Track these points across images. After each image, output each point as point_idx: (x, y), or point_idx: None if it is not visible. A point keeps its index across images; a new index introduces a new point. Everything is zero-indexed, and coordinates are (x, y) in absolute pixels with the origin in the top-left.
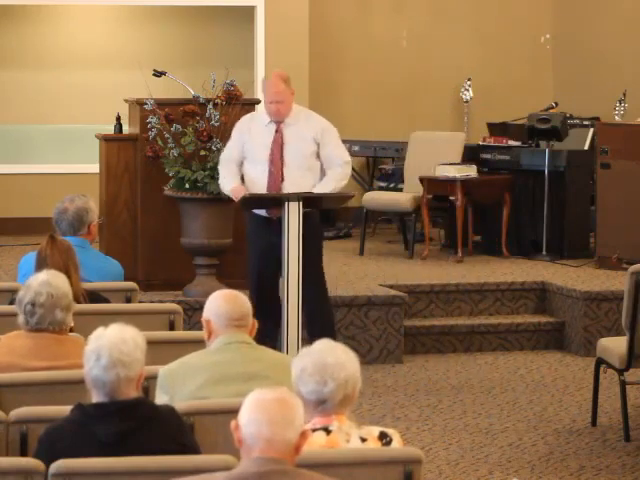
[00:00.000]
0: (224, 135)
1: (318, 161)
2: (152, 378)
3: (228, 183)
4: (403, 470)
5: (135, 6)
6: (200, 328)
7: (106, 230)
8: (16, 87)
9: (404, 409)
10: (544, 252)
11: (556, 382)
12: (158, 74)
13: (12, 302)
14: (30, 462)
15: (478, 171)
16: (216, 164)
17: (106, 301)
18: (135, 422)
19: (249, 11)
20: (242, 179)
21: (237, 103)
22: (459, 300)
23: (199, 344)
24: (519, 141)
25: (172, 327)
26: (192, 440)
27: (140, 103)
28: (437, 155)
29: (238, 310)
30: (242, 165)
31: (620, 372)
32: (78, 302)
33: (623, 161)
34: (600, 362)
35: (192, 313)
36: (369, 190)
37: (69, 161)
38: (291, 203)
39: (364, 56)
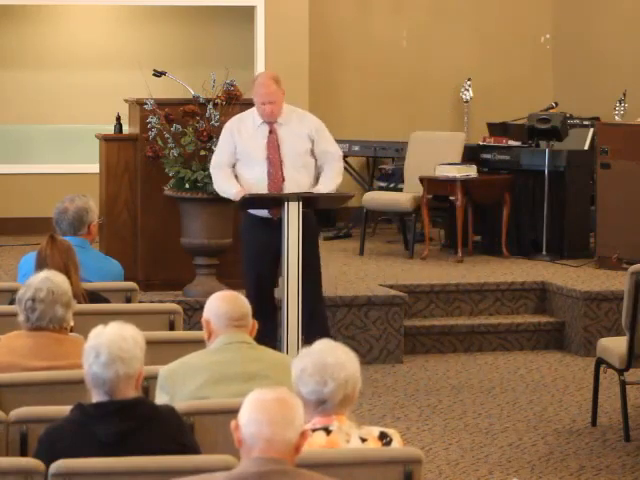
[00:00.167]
0: None
1: (312, 158)
2: (152, 378)
3: (230, 187)
4: (403, 470)
5: (135, 6)
6: (200, 328)
7: (106, 230)
8: (16, 87)
9: (404, 409)
10: (544, 252)
11: (556, 382)
12: (158, 74)
13: (12, 302)
14: (30, 462)
15: (478, 171)
16: None
17: (106, 301)
18: (135, 422)
19: (249, 11)
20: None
21: (237, 103)
22: (459, 300)
23: (199, 344)
24: (519, 141)
25: (172, 327)
26: (192, 440)
27: (140, 103)
28: (437, 155)
29: (238, 310)
30: (233, 167)
31: (620, 372)
32: (78, 302)
33: (623, 161)
34: (600, 362)
35: (192, 313)
36: (369, 190)
37: (69, 161)
38: (291, 203)
39: (364, 56)
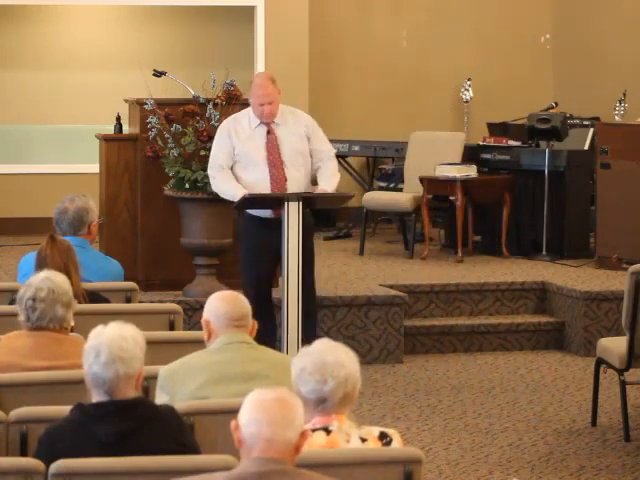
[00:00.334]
0: None
1: (309, 157)
2: (152, 378)
3: (232, 188)
4: (403, 470)
5: (135, 6)
6: (200, 328)
7: (106, 230)
8: (16, 87)
9: (404, 409)
10: (544, 252)
11: (556, 382)
12: (158, 74)
13: (12, 302)
14: (30, 462)
15: (478, 171)
16: None
17: (106, 301)
18: (135, 422)
19: (249, 11)
20: None
21: (237, 103)
22: (459, 300)
23: (199, 344)
24: (519, 141)
25: (172, 327)
26: (192, 440)
27: (140, 103)
28: (437, 155)
29: (238, 310)
30: (231, 169)
31: (620, 372)
32: (78, 302)
33: (623, 161)
34: (600, 362)
35: (192, 313)
36: (369, 190)
37: (69, 161)
38: (291, 203)
39: (364, 56)
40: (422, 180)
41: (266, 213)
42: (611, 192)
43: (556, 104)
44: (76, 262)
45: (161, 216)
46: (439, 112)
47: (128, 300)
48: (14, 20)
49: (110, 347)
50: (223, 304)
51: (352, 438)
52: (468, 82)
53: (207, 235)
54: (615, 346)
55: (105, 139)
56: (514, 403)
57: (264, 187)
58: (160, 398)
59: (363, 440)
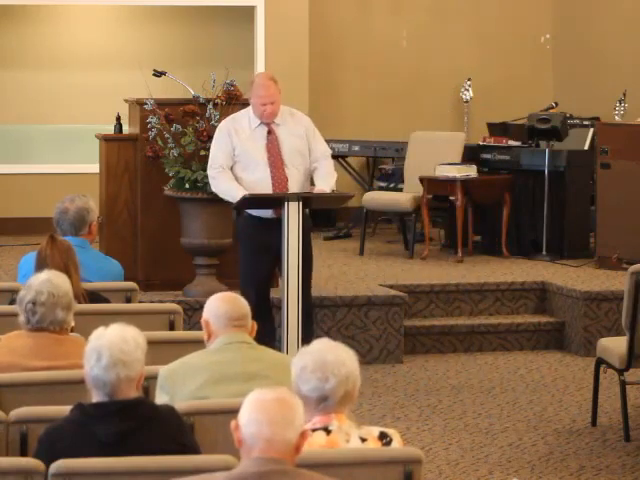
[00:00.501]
0: None
1: (308, 157)
2: (152, 378)
3: (232, 189)
4: (403, 470)
5: (135, 6)
6: (200, 328)
7: (106, 230)
8: (16, 87)
9: (404, 409)
10: (544, 252)
11: (556, 382)
12: (158, 74)
13: (12, 302)
14: (30, 462)
15: (478, 171)
16: None
17: (106, 301)
18: (135, 422)
19: (249, 11)
20: None
21: (237, 103)
22: (459, 300)
23: (199, 344)
24: (519, 141)
25: (172, 327)
26: (192, 440)
27: (140, 103)
28: (437, 155)
29: (237, 310)
30: (231, 169)
31: (620, 372)
32: (78, 302)
33: (623, 161)
34: (600, 362)
35: (192, 313)
36: (369, 190)
37: (69, 161)
38: (291, 203)
39: (364, 56)
40: (422, 180)
41: (266, 213)
42: (611, 192)
43: (556, 104)
44: (76, 262)
45: (161, 216)
46: (439, 112)
47: (128, 300)
48: (14, 20)
49: (111, 350)
50: (223, 304)
51: (352, 438)
52: (468, 82)
53: (207, 235)
54: (615, 346)
55: (105, 139)
56: (514, 403)
57: (265, 187)
58: (160, 398)
59: (363, 440)
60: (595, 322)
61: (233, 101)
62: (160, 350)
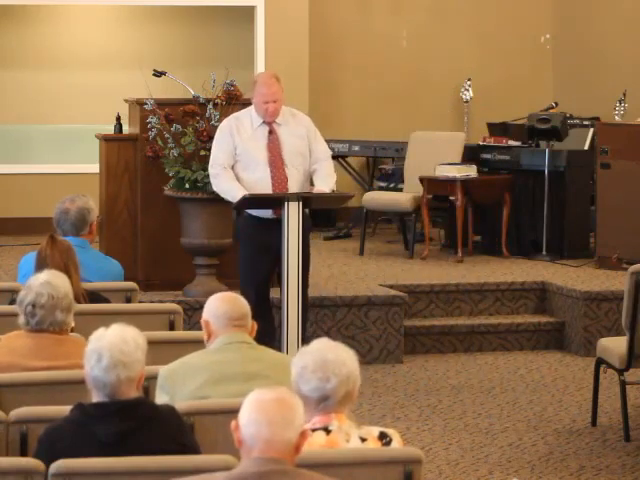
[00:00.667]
0: None
1: (308, 157)
2: (152, 378)
3: (234, 189)
4: (403, 470)
5: (135, 6)
6: (200, 328)
7: (106, 230)
8: (16, 87)
9: (404, 409)
10: (544, 252)
11: (556, 382)
12: (158, 74)
13: (12, 302)
14: (30, 462)
15: (478, 171)
16: None
17: (106, 301)
18: (135, 422)
19: (249, 11)
20: None
21: (237, 103)
22: (459, 300)
23: (199, 344)
24: (519, 141)
25: (172, 327)
26: (192, 440)
27: (140, 103)
28: (437, 155)
29: (237, 310)
30: (232, 168)
31: (620, 372)
32: (78, 302)
33: (623, 161)
34: (600, 362)
35: (192, 313)
36: (369, 190)
37: (69, 161)
38: (291, 203)
39: (364, 56)
40: (422, 180)
41: (266, 213)
42: (611, 192)
43: (556, 104)
44: (76, 262)
45: (161, 216)
46: (439, 112)
47: (128, 300)
48: (14, 20)
49: (111, 351)
50: (223, 304)
51: (352, 438)
52: (468, 82)
53: (207, 235)
54: (615, 346)
55: (105, 139)
56: (514, 403)
57: (265, 187)
58: (160, 398)
59: (363, 440)
60: (595, 322)
61: (233, 101)
62: (160, 350)
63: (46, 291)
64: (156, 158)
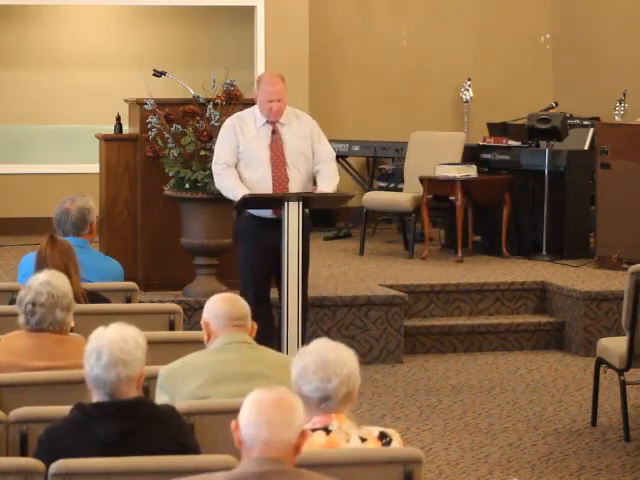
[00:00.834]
0: None
1: (311, 158)
2: (152, 378)
3: (238, 189)
4: (403, 470)
5: (135, 6)
6: (200, 328)
7: (106, 230)
8: (16, 87)
9: (404, 409)
10: (544, 252)
11: (556, 382)
12: (158, 74)
13: (12, 302)
14: (30, 462)
15: (478, 171)
16: None
17: (106, 301)
18: (135, 422)
19: (249, 11)
20: None
21: (237, 103)
22: (459, 300)
23: (199, 344)
24: (519, 141)
25: (172, 327)
26: (192, 440)
27: (140, 103)
28: (437, 155)
29: (237, 310)
30: (235, 167)
31: (620, 372)
32: (78, 302)
33: (623, 161)
34: (600, 362)
35: (192, 313)
36: (369, 190)
37: (69, 161)
38: (291, 203)
39: (364, 56)
40: (422, 180)
41: (267, 213)
42: (611, 192)
43: (556, 104)
44: (76, 262)
45: (161, 216)
46: (439, 112)
47: (128, 300)
48: (14, 20)
49: (111, 349)
50: (223, 304)
51: (352, 438)
52: (468, 82)
53: (207, 235)
54: (615, 346)
55: (105, 139)
56: (514, 403)
57: (266, 187)
58: (160, 398)
59: (363, 440)
60: (595, 322)
61: (233, 101)
62: (160, 350)
63: (46, 290)
64: (156, 158)
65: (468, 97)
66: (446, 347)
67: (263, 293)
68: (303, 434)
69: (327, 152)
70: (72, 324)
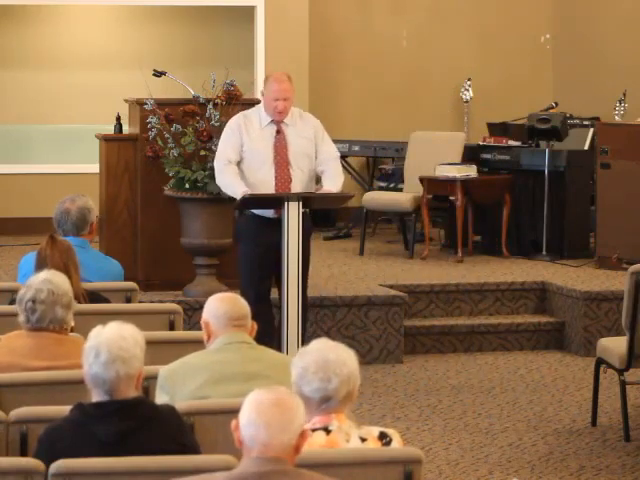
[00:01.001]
0: None
1: (315, 158)
2: (152, 378)
3: (236, 185)
4: (403, 470)
5: (135, 6)
6: (200, 328)
7: (106, 230)
8: (16, 87)
9: (404, 409)
10: (544, 252)
11: (556, 382)
12: (158, 74)
13: (12, 302)
14: (30, 462)
15: (478, 171)
16: None
17: (106, 301)
18: (135, 422)
19: (249, 11)
20: None
21: (237, 103)
22: (459, 300)
23: (199, 344)
24: (519, 141)
25: (172, 327)
26: (192, 440)
27: (140, 103)
28: (437, 155)
29: (237, 310)
30: (238, 165)
31: (620, 372)
32: (78, 302)
33: (623, 161)
34: (600, 362)
35: (192, 313)
36: (369, 190)
37: (69, 161)
38: (291, 203)
39: (364, 56)
40: (422, 180)
41: (269, 213)
42: (611, 192)
43: (556, 104)
44: (76, 262)
45: (161, 216)
46: (439, 112)
47: (128, 300)
48: (14, 20)
49: (110, 347)
50: (222, 304)
51: (352, 438)
52: (468, 82)
53: (207, 235)
54: (615, 346)
55: (105, 139)
56: (514, 403)
57: (269, 186)
58: (160, 398)
59: (363, 440)
60: (595, 322)
61: (233, 101)
62: (160, 350)
63: (46, 287)
64: (156, 158)
65: (468, 97)
66: (446, 347)
67: (264, 293)
68: (303, 434)
69: (331, 151)
70: (72, 323)
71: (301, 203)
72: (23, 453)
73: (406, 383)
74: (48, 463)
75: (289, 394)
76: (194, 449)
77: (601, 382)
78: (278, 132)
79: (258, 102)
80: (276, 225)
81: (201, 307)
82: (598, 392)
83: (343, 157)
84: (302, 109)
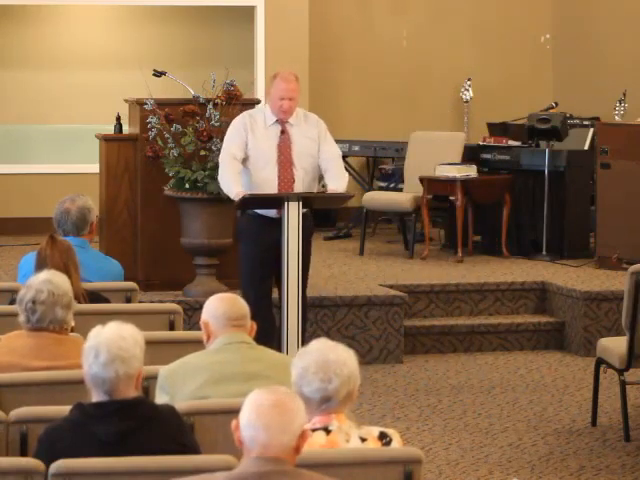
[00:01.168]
0: (224, 135)
1: (318, 158)
2: (152, 378)
3: (233, 184)
4: (403, 470)
5: (135, 6)
6: (200, 328)
7: (106, 230)
8: (16, 87)
9: (404, 409)
10: (544, 252)
11: (556, 382)
12: (158, 74)
13: (12, 302)
14: (30, 462)
15: (478, 171)
16: (216, 164)
17: (106, 301)
18: (135, 422)
19: (249, 11)
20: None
21: (237, 103)
22: (459, 300)
23: (199, 344)
24: (519, 141)
25: (172, 327)
26: (192, 440)
27: (140, 103)
28: (437, 155)
29: (236, 310)
30: (242, 163)
31: (620, 372)
32: (78, 302)
33: (623, 161)
34: (600, 362)
35: (192, 313)
36: (369, 190)
37: (69, 161)
38: (291, 203)
39: (364, 56)
40: (422, 180)
41: (271, 212)
42: (611, 192)
43: (556, 104)
44: (76, 262)
45: (161, 216)
46: (439, 112)
47: (128, 300)
48: (14, 20)
49: (109, 347)
50: (222, 305)
51: (352, 438)
52: (468, 82)
53: (207, 235)
54: (615, 346)
55: (105, 139)
56: (514, 403)
57: (271, 186)
58: (160, 398)
59: (363, 440)
60: (595, 322)
61: (233, 101)
62: (160, 350)
63: (46, 288)
64: (156, 158)
65: (468, 97)
66: (446, 347)
67: (264, 293)
68: (303, 435)
69: (333, 151)
70: (72, 323)
71: (301, 203)
72: (23, 453)
73: (406, 383)
74: (48, 463)
75: (289, 395)
76: (194, 449)
77: (601, 382)
78: (282, 132)
79: (258, 102)
80: (277, 225)
81: (201, 307)
82: (598, 392)
83: (343, 157)
84: (302, 109)
